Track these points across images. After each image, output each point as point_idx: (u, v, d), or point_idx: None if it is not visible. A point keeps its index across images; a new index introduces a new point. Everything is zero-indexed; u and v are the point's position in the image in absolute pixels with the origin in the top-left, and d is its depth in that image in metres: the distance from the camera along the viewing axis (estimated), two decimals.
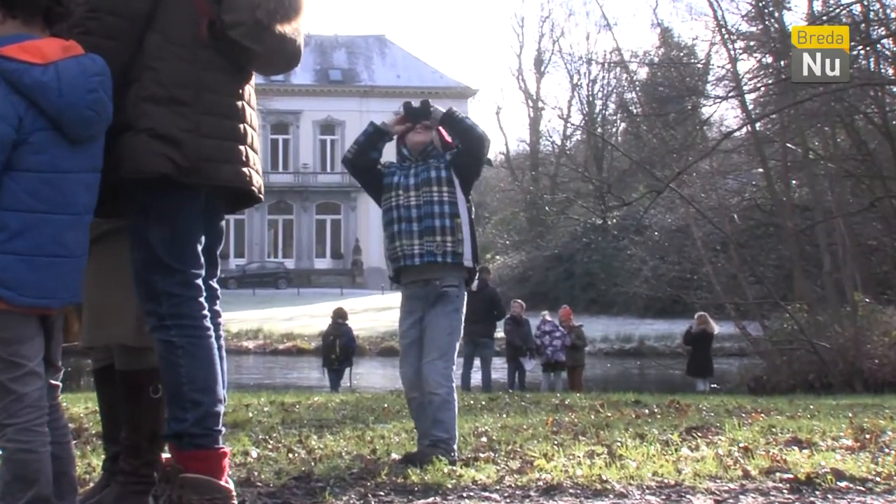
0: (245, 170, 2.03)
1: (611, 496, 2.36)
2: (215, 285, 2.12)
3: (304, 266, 33.39)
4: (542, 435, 3.67)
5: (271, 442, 3.42)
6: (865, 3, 11.42)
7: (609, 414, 4.83)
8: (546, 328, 10.80)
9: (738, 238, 15.27)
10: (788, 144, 14.04)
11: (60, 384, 1.98)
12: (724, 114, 32.15)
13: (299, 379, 14.07)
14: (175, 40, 1.93)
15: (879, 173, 13.47)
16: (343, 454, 3.10)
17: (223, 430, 2.02)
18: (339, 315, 10.73)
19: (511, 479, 2.55)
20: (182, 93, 1.92)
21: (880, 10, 11.80)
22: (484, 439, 3.51)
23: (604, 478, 2.51)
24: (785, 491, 2.42)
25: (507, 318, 10.49)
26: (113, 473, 2.25)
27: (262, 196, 2.12)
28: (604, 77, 33.75)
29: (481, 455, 2.98)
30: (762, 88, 13.22)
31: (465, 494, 2.38)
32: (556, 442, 3.39)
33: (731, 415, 4.74)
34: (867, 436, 3.45)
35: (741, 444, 3.17)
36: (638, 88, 23.14)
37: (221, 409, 2.00)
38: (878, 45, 12.20)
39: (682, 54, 24.69)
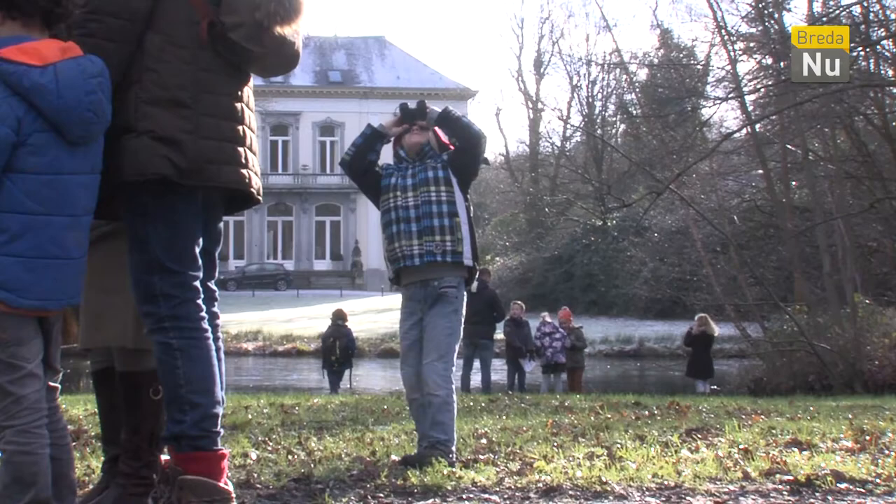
0: (244, 171, 2.03)
1: (610, 498, 2.35)
2: (213, 287, 2.12)
3: (304, 268, 33.37)
4: (541, 436, 3.67)
5: (271, 444, 3.42)
6: (865, 4, 11.43)
7: (609, 415, 4.82)
8: (546, 329, 10.80)
9: (738, 239, 15.28)
10: (788, 146, 14.04)
11: (59, 386, 1.97)
12: (723, 115, 32.07)
13: (299, 381, 14.06)
14: (175, 42, 1.93)
15: (879, 175, 13.46)
16: (343, 456, 3.09)
17: (222, 431, 2.01)
18: (339, 317, 10.71)
19: (511, 480, 2.55)
20: (182, 94, 1.92)
21: (880, 12, 11.81)
22: (483, 441, 3.51)
23: (603, 479, 2.50)
24: (785, 493, 2.42)
25: (507, 320, 10.48)
26: (112, 475, 2.24)
27: (260, 198, 2.12)
28: (603, 78, 33.83)
29: (481, 457, 2.98)
30: (762, 90, 13.21)
31: (464, 496, 2.37)
32: (555, 443, 3.38)
33: (731, 416, 4.74)
34: (867, 437, 3.45)
35: (741, 446, 3.17)
36: (638, 90, 23.17)
37: (220, 410, 2.00)
38: (878, 47, 12.20)
39: (681, 55, 24.73)
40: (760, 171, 15.31)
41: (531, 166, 35.10)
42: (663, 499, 2.35)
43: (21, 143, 1.77)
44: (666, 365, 17.15)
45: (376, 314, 21.98)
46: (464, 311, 3.10)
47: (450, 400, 2.98)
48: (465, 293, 3.11)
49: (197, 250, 2.03)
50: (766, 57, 13.74)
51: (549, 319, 11.13)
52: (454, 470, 2.65)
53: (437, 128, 3.16)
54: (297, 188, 34.02)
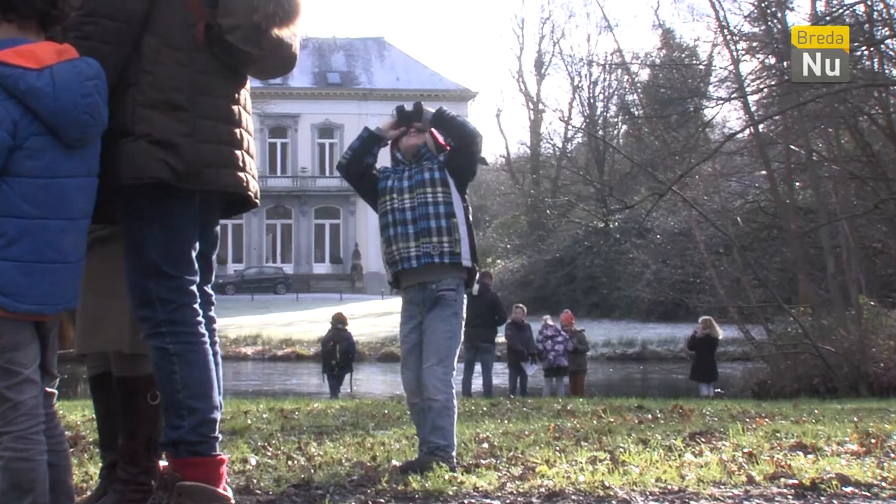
0: (241, 175, 2.02)
1: (613, 503, 2.33)
2: (210, 291, 2.11)
3: (303, 271, 33.35)
4: (543, 441, 3.65)
5: (270, 449, 3.40)
6: (869, 3, 11.38)
7: (612, 419, 4.81)
8: (548, 333, 10.77)
9: (742, 241, 15.23)
10: (792, 146, 14.00)
11: (56, 391, 1.96)
12: (726, 115, 32.17)
13: (298, 385, 14.05)
14: (172, 44, 1.92)
15: (884, 175, 13.42)
16: (343, 461, 3.08)
17: (220, 437, 2.00)
18: (339, 320, 10.69)
19: (513, 485, 2.53)
20: (179, 97, 1.91)
21: (884, 10, 11.76)
22: (485, 445, 3.49)
23: (606, 484, 2.49)
24: (790, 497, 2.40)
25: (509, 323, 10.45)
26: (110, 481, 2.23)
27: (258, 201, 2.11)
28: (605, 79, 33.81)
29: (483, 461, 2.96)
30: (765, 90, 13.18)
31: (466, 501, 2.36)
32: (558, 448, 3.36)
33: (735, 420, 4.72)
34: (873, 440, 3.43)
35: (745, 450, 3.15)
36: (639, 90, 23.14)
37: (218, 415, 1.99)
38: (882, 46, 12.16)
39: (683, 55, 24.69)
40: (764, 172, 15.28)
41: (532, 168, 35.08)
42: (667, 503, 2.33)
43: (17, 147, 1.76)
44: (669, 368, 17.12)
45: (376, 318, 21.98)
46: (464, 314, 3.08)
47: (450, 404, 2.96)
48: (466, 296, 3.10)
49: (194, 254, 2.02)
50: (769, 57, 13.71)
51: (550, 322, 11.10)
52: (455, 475, 2.64)
53: (434, 129, 3.15)
54: (296, 191, 34.01)
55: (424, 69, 36.38)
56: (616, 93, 33.82)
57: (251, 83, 2.12)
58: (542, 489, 2.47)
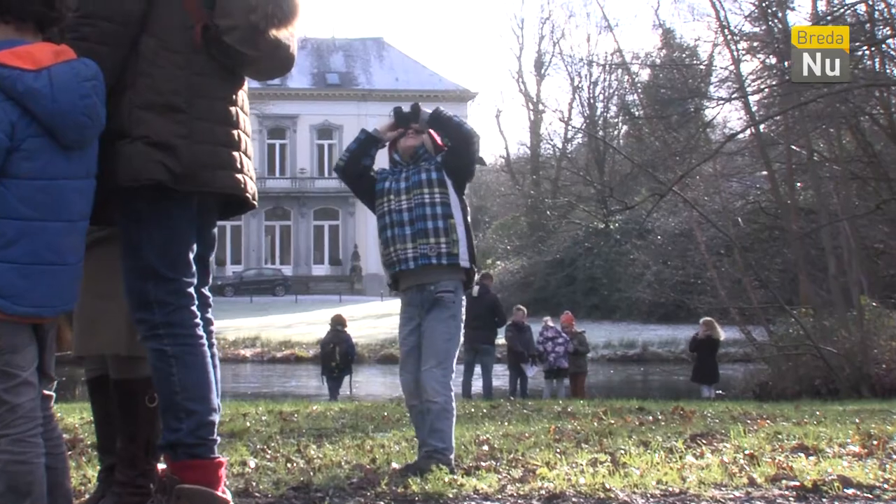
0: (239, 176, 2.02)
1: None
2: (207, 293, 2.11)
3: (302, 273, 33.30)
4: (544, 443, 3.64)
5: (269, 451, 3.40)
6: (870, 2, 11.36)
7: (612, 421, 4.80)
8: (548, 334, 10.75)
9: (743, 242, 15.22)
10: (793, 146, 13.98)
11: (54, 394, 1.96)
12: (727, 116, 32.08)
13: (298, 387, 14.03)
14: (169, 46, 1.92)
15: (885, 175, 13.40)
16: (342, 464, 3.07)
17: (219, 439, 1.99)
18: (338, 322, 10.67)
19: (513, 488, 2.52)
20: (176, 99, 1.91)
21: (885, 10, 11.75)
22: (485, 448, 3.48)
23: (607, 486, 2.48)
24: (791, 499, 2.40)
25: (509, 325, 10.44)
26: (108, 484, 2.23)
27: (255, 203, 2.10)
28: (605, 79, 33.80)
29: (483, 464, 2.96)
30: (766, 90, 13.16)
31: None
32: (558, 450, 3.36)
33: (737, 421, 4.71)
34: (874, 442, 3.42)
35: (747, 451, 3.14)
36: (640, 90, 23.10)
37: (216, 418, 1.98)
38: (884, 45, 12.15)
39: (684, 56, 24.65)
40: (765, 173, 15.25)
41: (532, 169, 35.07)
42: None
43: (15, 149, 1.75)
44: (670, 369, 17.10)
45: (376, 319, 21.96)
46: (463, 316, 3.07)
47: (448, 407, 2.95)
48: (465, 297, 3.08)
49: (191, 256, 2.01)
50: (770, 57, 13.69)
51: (551, 324, 11.09)
52: (455, 477, 2.63)
53: (432, 130, 3.14)
54: (295, 192, 33.95)
55: (424, 70, 36.36)
56: (616, 93, 33.85)
57: (249, 84, 2.12)
58: (543, 491, 2.46)
